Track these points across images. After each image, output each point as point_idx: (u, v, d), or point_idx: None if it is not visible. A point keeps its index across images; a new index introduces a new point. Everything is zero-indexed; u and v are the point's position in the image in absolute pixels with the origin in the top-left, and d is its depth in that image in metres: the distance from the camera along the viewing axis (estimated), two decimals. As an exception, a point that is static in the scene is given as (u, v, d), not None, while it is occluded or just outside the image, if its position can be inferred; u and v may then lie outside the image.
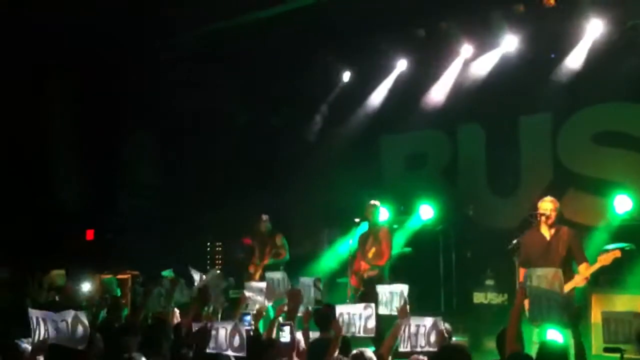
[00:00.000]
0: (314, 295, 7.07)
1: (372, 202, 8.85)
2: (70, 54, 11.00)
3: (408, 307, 5.40)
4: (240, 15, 10.46)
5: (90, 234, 12.39)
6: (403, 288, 5.95)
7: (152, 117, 12.03)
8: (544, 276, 5.46)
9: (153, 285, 7.13)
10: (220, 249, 11.75)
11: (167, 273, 7.53)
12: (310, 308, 6.35)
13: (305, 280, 7.00)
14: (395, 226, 9.34)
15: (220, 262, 11.72)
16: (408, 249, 8.52)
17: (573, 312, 4.54)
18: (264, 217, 9.87)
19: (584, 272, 6.63)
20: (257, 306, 6.80)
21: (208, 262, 11.69)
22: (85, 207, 11.98)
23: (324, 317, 5.89)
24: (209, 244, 11.75)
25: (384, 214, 9.41)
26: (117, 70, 11.63)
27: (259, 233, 9.92)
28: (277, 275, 7.05)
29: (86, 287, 10.17)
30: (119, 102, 12.00)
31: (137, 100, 12.01)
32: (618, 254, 6.56)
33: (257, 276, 9.36)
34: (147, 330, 5.74)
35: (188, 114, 11.86)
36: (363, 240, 8.83)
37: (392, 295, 5.99)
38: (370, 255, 8.55)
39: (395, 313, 5.52)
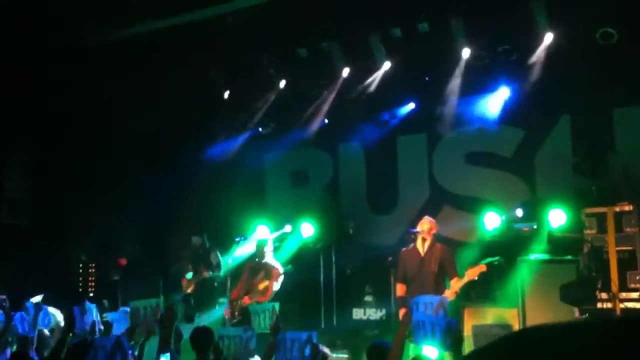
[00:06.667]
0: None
1: (265, 238, 8.71)
2: None
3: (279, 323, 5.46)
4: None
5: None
6: (274, 305, 6.01)
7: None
8: (430, 303, 5.84)
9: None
10: (93, 270, 11.17)
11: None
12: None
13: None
14: (276, 244, 9.28)
15: (93, 284, 11.14)
16: (288, 267, 8.45)
17: (456, 336, 4.79)
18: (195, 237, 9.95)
19: (454, 286, 6.97)
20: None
21: (80, 284, 11.08)
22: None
23: (203, 340, 5.71)
24: (81, 265, 11.13)
25: (265, 231, 9.36)
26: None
27: (195, 249, 9.88)
28: (146, 302, 6.75)
29: None
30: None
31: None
32: (484, 268, 6.93)
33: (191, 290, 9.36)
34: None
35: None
36: (253, 271, 8.51)
37: (265, 312, 6.01)
38: (261, 288, 8.21)
39: (268, 330, 5.54)
